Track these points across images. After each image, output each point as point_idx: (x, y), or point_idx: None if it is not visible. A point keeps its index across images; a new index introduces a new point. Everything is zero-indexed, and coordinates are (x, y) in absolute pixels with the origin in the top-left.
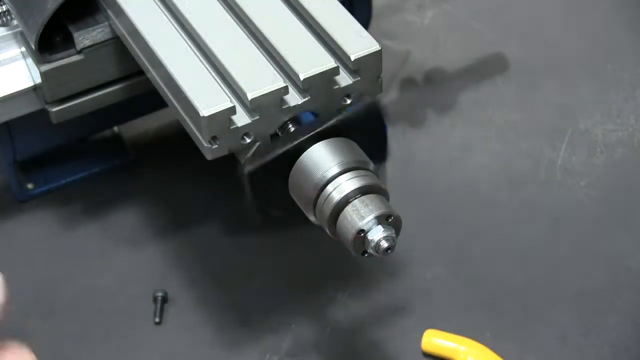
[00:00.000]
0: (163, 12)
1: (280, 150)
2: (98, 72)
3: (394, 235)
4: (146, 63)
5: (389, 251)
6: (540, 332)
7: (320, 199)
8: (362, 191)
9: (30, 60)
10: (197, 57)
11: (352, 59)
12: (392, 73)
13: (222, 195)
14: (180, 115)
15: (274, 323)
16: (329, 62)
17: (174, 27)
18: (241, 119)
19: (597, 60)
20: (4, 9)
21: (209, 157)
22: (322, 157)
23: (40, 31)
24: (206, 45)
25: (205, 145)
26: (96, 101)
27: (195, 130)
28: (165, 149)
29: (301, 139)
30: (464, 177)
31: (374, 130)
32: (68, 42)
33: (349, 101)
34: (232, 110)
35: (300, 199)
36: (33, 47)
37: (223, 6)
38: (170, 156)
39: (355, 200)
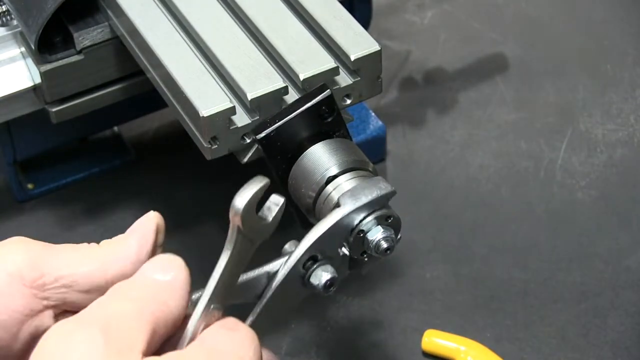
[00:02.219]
0: (163, 12)
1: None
2: (98, 72)
3: (393, 235)
4: (146, 63)
5: (389, 252)
6: (540, 332)
7: (320, 199)
8: None
9: (30, 60)
10: (197, 57)
11: (352, 59)
12: (392, 73)
13: (222, 195)
14: (180, 115)
15: (273, 323)
16: (328, 62)
17: (174, 27)
18: (241, 119)
19: (597, 60)
20: (4, 9)
21: (208, 157)
22: (321, 157)
23: (40, 31)
24: (206, 46)
25: (205, 145)
26: (96, 101)
27: (195, 131)
28: (165, 149)
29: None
30: (464, 177)
31: None
32: (68, 42)
33: (348, 101)
34: (232, 111)
35: (300, 199)
36: (33, 47)
37: (223, 6)
38: (170, 156)
39: None
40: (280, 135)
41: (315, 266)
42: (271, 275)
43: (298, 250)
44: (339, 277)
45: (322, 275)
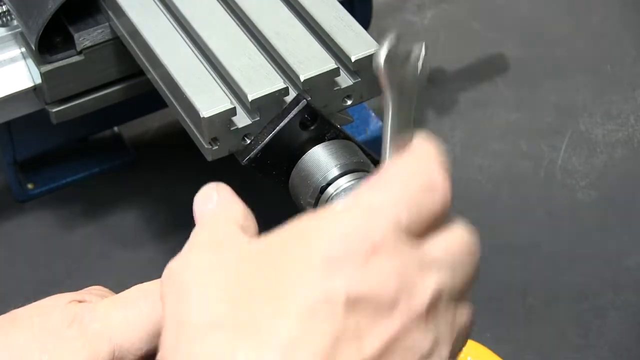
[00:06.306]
0: (163, 13)
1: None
2: (98, 73)
3: None
4: (146, 63)
5: None
6: (540, 332)
7: (321, 201)
8: None
9: (30, 61)
10: (198, 57)
11: (353, 60)
12: None
13: None
14: (180, 116)
15: None
16: (329, 63)
17: (174, 27)
18: (242, 120)
19: (597, 60)
20: (4, 9)
21: (209, 158)
22: (322, 159)
23: (41, 32)
24: (206, 46)
25: (206, 146)
26: (96, 101)
27: (195, 131)
28: (165, 149)
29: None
30: (464, 177)
31: None
32: (68, 43)
33: (349, 102)
34: (233, 112)
35: (300, 201)
36: (33, 47)
37: (223, 6)
38: (170, 156)
39: None
40: (267, 154)
41: None
42: None
43: None
44: None
45: None
